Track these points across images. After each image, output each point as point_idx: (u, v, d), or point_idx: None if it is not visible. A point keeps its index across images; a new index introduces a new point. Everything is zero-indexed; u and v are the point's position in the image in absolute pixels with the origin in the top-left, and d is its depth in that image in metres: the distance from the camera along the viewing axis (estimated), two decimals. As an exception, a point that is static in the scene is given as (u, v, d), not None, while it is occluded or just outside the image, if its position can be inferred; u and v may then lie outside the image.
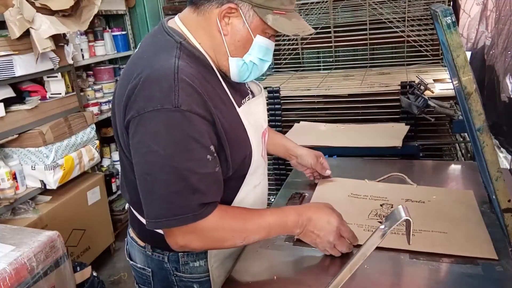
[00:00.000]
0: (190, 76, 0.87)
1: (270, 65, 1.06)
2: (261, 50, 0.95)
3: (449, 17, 0.90)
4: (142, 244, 1.09)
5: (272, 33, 0.96)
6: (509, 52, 1.87)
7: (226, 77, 0.98)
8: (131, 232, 1.14)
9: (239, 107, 0.98)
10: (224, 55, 0.95)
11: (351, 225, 1.07)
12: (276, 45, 2.76)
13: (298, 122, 2.30)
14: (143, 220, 0.98)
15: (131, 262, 1.15)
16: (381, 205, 1.25)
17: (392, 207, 1.22)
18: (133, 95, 0.87)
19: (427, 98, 1.83)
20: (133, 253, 1.14)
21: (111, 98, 3.11)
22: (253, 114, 1.03)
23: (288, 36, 2.74)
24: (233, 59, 0.95)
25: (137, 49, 0.99)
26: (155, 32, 0.98)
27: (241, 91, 1.04)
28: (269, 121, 1.71)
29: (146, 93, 0.85)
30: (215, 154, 0.89)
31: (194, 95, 0.86)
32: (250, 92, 1.10)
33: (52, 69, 2.45)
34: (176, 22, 0.97)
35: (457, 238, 1.07)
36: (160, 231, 0.96)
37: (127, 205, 1.12)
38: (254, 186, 1.05)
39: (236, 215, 0.95)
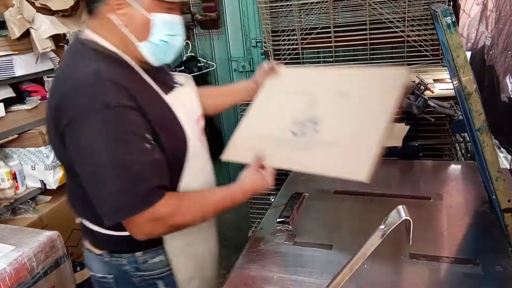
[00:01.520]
0: (111, 75, 0.91)
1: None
2: (164, 26, 0.98)
3: (449, 17, 0.90)
4: (99, 252, 1.09)
5: (170, 6, 0.98)
6: (509, 52, 1.87)
7: (148, 71, 1.01)
8: (86, 244, 1.14)
9: (166, 93, 1.01)
10: (134, 45, 0.98)
11: (269, 138, 1.18)
12: (276, 45, 2.76)
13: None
14: (95, 228, 1.05)
15: (91, 273, 1.15)
16: (306, 104, 1.20)
17: (316, 103, 1.17)
18: (61, 105, 0.91)
19: (427, 98, 1.83)
20: (93, 264, 1.13)
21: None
22: (184, 102, 1.07)
23: (288, 36, 2.74)
24: (141, 44, 0.98)
25: (59, 65, 1.03)
26: (71, 46, 1.04)
27: (166, 83, 1.07)
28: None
29: (74, 101, 0.90)
30: (152, 142, 0.93)
31: (119, 90, 0.91)
32: (177, 84, 1.12)
33: (52, 69, 2.45)
34: (86, 33, 1.01)
35: (337, 154, 1.06)
36: (114, 232, 1.02)
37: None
38: (200, 168, 1.08)
39: (191, 198, 1.01)
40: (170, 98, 1.02)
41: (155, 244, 1.06)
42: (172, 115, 1.01)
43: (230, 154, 1.20)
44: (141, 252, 1.06)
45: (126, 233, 0.98)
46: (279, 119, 1.19)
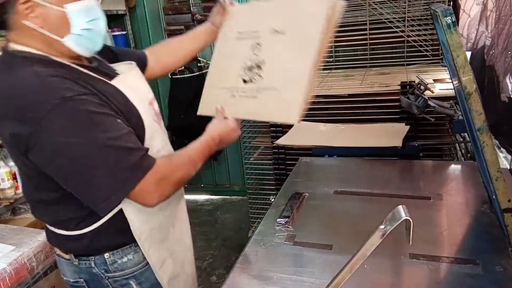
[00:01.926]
0: (50, 72, 0.89)
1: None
2: (81, 14, 0.95)
3: (449, 17, 0.90)
4: (67, 256, 1.08)
5: None
6: (509, 52, 1.87)
7: (84, 67, 0.99)
8: (56, 250, 1.12)
9: (110, 80, 1.00)
10: (58, 43, 0.95)
11: (226, 89, 1.22)
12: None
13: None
14: (62, 232, 1.03)
15: (65, 279, 1.14)
16: (252, 48, 1.18)
17: (259, 45, 1.17)
18: (14, 120, 0.88)
19: (427, 98, 1.83)
20: (64, 269, 1.12)
21: (111, 98, 3.13)
22: (132, 86, 1.05)
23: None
24: (65, 39, 0.95)
25: None
26: (1, 59, 0.98)
27: (107, 74, 1.04)
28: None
29: (27, 108, 0.86)
30: (118, 119, 0.94)
31: (68, 82, 0.89)
32: (120, 73, 1.10)
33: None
34: (11, 46, 0.97)
35: (276, 99, 1.11)
36: (77, 231, 1.01)
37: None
38: (157, 150, 1.07)
39: (176, 155, 1.06)
40: (116, 83, 1.00)
41: (122, 243, 1.05)
42: (124, 97, 1.00)
43: (203, 109, 1.27)
44: (109, 253, 1.04)
45: (88, 229, 0.99)
46: (233, 67, 1.20)
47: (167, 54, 1.38)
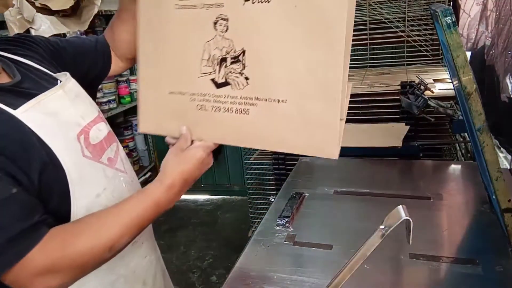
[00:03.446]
0: None
1: None
2: None
3: (449, 17, 0.90)
4: None
5: None
6: (509, 52, 1.87)
7: None
8: None
9: (15, 108, 0.71)
10: None
11: (183, 95, 0.80)
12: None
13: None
14: None
15: None
16: (215, 25, 0.75)
17: (227, 22, 0.74)
18: None
19: (427, 98, 1.83)
20: None
21: (111, 98, 3.12)
22: (53, 112, 0.77)
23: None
24: None
25: None
26: None
27: (22, 92, 0.75)
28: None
29: None
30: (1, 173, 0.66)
31: None
32: (47, 88, 0.80)
33: (52, 69, 2.45)
34: None
35: (286, 117, 0.72)
36: None
37: None
38: (97, 195, 0.80)
39: (82, 228, 0.71)
40: (23, 112, 0.72)
41: None
42: (25, 135, 0.71)
43: (145, 125, 0.86)
44: None
45: None
46: (187, 59, 0.78)
47: (120, 23, 0.98)
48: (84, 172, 0.78)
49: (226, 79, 0.75)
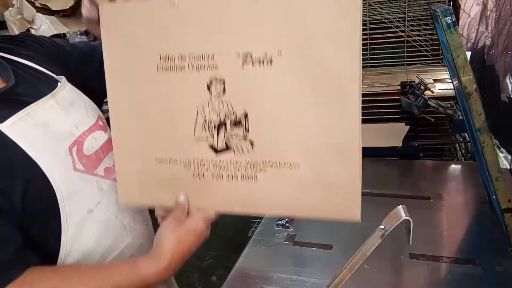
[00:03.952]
0: None
1: None
2: None
3: (449, 17, 0.90)
4: None
5: None
6: (509, 52, 1.87)
7: None
8: None
9: (2, 121, 0.67)
10: None
11: (175, 163, 0.71)
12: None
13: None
14: None
15: None
16: (208, 88, 0.67)
17: (223, 84, 0.66)
18: None
19: (427, 98, 1.83)
20: None
21: (111, 98, 3.12)
22: (42, 123, 0.72)
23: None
24: None
25: None
26: None
27: (13, 100, 0.70)
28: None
29: None
30: None
31: None
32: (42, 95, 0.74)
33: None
34: None
35: (299, 182, 0.67)
36: None
37: None
38: (89, 211, 0.74)
39: (59, 283, 0.64)
40: (10, 125, 0.67)
41: None
42: (9, 150, 0.66)
43: (126, 196, 0.76)
44: None
45: None
46: (176, 124, 0.70)
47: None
48: (75, 187, 0.72)
49: (227, 145, 0.69)
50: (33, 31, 2.23)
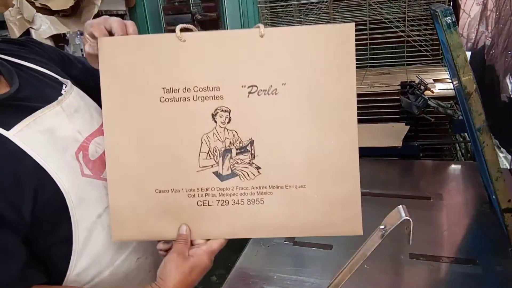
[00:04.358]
0: None
1: None
2: None
3: (449, 17, 0.90)
4: None
5: None
6: (509, 52, 1.87)
7: None
8: None
9: (8, 129, 0.66)
10: None
11: (178, 192, 0.71)
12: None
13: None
14: None
15: None
16: (213, 117, 0.69)
17: (228, 114, 0.69)
18: None
19: (427, 98, 1.83)
20: None
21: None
22: (51, 130, 0.72)
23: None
24: None
25: None
26: None
27: (18, 106, 0.69)
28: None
29: None
30: None
31: None
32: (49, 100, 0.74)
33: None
34: None
35: (304, 203, 0.70)
36: None
37: None
38: (98, 215, 0.74)
39: None
40: (17, 133, 0.66)
41: None
42: (18, 159, 0.66)
43: (120, 233, 0.73)
44: None
45: None
46: (180, 154, 0.71)
47: None
48: (84, 192, 0.72)
49: (232, 171, 0.70)
50: (33, 31, 2.23)
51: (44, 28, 2.25)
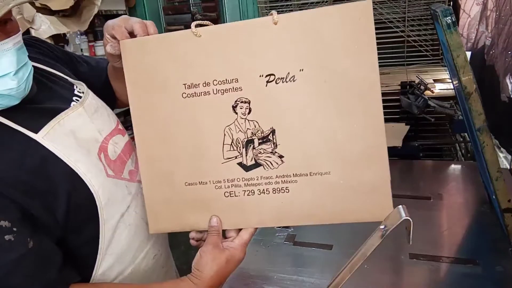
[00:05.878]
0: None
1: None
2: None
3: (449, 17, 0.90)
4: None
5: None
6: (509, 52, 1.87)
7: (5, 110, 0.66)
8: None
9: (36, 132, 0.66)
10: None
11: (205, 184, 0.73)
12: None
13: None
14: None
15: None
16: (234, 109, 0.70)
17: (248, 104, 0.70)
18: None
19: (427, 98, 1.83)
20: None
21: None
22: (73, 130, 0.72)
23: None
24: None
25: None
26: None
27: (40, 110, 0.70)
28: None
29: None
30: (15, 228, 0.61)
31: None
32: (71, 101, 0.76)
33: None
34: None
35: (332, 189, 0.69)
36: None
37: None
38: (121, 215, 0.76)
39: None
40: (44, 135, 0.67)
41: None
42: (51, 163, 0.66)
43: (157, 225, 0.77)
44: None
45: None
46: (204, 147, 0.72)
47: (112, 80, 0.93)
48: (110, 193, 0.73)
49: (256, 161, 0.71)
50: (33, 31, 2.23)
51: (44, 28, 2.25)
